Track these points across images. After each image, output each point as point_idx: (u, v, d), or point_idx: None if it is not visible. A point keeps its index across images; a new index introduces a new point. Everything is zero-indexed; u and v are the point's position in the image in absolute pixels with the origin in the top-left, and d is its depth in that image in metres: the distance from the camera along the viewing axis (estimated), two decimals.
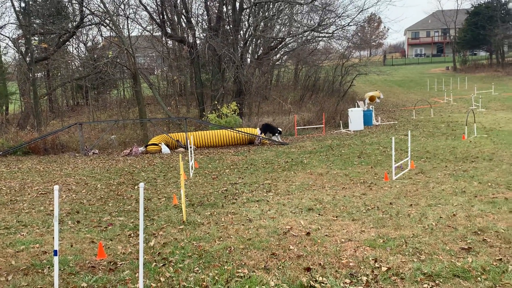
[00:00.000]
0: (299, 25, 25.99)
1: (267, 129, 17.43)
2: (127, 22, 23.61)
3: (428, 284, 4.40)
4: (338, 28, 25.82)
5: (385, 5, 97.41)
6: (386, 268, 4.79)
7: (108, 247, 5.91)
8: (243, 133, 16.97)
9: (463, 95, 32.05)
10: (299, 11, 26.73)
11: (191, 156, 12.28)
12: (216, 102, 21.23)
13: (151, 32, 26.73)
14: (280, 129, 17.57)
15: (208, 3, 24.76)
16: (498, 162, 10.27)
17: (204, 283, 4.64)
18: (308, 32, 25.29)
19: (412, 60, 69.84)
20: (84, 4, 22.72)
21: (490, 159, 10.74)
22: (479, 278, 4.47)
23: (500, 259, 4.90)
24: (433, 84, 40.00)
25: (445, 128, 17.27)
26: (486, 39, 48.24)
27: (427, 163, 10.88)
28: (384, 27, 68.56)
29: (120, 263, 5.33)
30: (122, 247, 5.90)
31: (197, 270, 4.99)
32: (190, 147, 13.11)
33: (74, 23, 24.38)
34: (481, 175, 9.11)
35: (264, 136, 17.06)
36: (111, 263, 5.32)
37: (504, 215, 6.44)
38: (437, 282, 4.45)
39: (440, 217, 6.51)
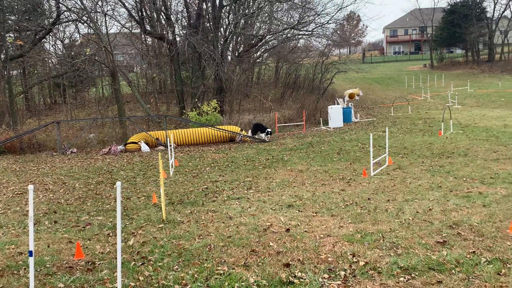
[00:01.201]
0: (279, 22, 26.04)
1: (258, 128, 17.34)
2: (105, 19, 23.14)
3: (404, 278, 4.50)
4: (318, 26, 25.98)
5: (364, 3, 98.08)
6: (364, 263, 4.88)
7: (86, 247, 5.84)
8: (223, 131, 16.94)
9: (440, 92, 32.65)
10: (279, 9, 26.77)
11: (171, 154, 12.21)
12: (196, 100, 21.12)
13: (130, 29, 26.38)
14: (270, 130, 17.24)
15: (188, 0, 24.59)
16: (473, 158, 10.53)
17: (184, 281, 4.64)
18: (288, 30, 25.34)
19: (391, 58, 70.73)
20: (61, 0, 22.27)
21: (465, 154, 11.00)
22: (453, 271, 4.59)
23: (474, 252, 5.04)
24: (411, 81, 40.62)
25: (422, 125, 17.59)
26: (461, 37, 49.19)
27: (405, 159, 11.07)
28: (363, 25, 69.33)
29: (98, 262, 5.28)
30: (101, 246, 5.85)
31: (177, 268, 4.99)
32: (170, 145, 13.04)
33: (51, 20, 23.87)
34: (457, 170, 9.33)
35: (246, 134, 17.04)
36: (89, 263, 5.27)
37: (478, 209, 6.61)
38: (413, 275, 4.55)
39: (417, 212, 6.64)
